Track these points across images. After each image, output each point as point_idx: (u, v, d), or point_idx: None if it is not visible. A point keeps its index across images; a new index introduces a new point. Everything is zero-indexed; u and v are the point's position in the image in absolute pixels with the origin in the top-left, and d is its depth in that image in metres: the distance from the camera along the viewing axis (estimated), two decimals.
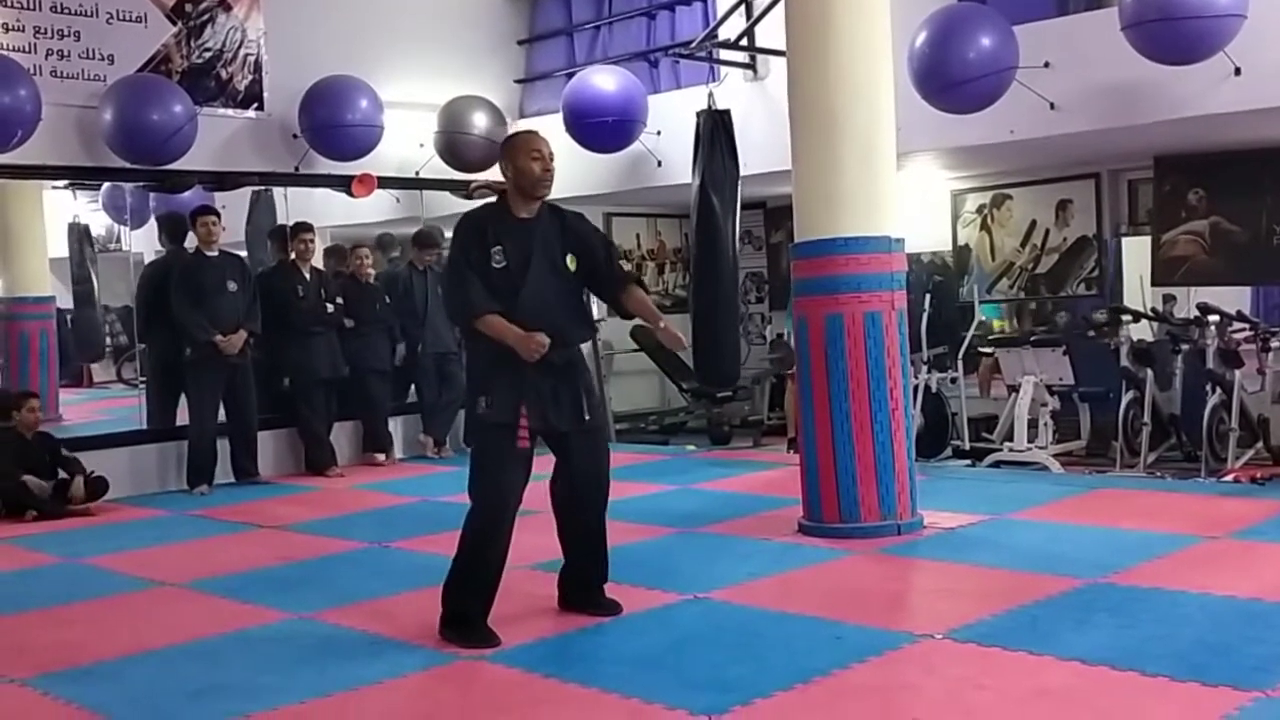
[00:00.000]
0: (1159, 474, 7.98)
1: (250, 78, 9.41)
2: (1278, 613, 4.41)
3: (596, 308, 11.24)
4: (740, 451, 9.92)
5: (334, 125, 9.26)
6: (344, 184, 9.71)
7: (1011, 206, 10.37)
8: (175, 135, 8.39)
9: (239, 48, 9.34)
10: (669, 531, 6.43)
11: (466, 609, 4.53)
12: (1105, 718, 3.53)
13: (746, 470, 8.54)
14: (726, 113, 8.41)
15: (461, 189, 10.44)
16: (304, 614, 5.08)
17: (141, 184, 9.21)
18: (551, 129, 9.83)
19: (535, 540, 6.43)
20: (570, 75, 10.09)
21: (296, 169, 9.53)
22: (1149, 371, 8.38)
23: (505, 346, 4.48)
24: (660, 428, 11.62)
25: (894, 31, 6.26)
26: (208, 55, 9.18)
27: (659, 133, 9.64)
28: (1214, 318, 8.45)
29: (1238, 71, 6.88)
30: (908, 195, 8.77)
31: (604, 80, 9.47)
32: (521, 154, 4.62)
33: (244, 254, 9.49)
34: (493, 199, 4.93)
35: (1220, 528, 5.84)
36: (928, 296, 9.53)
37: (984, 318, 10.13)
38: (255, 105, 9.42)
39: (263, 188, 9.87)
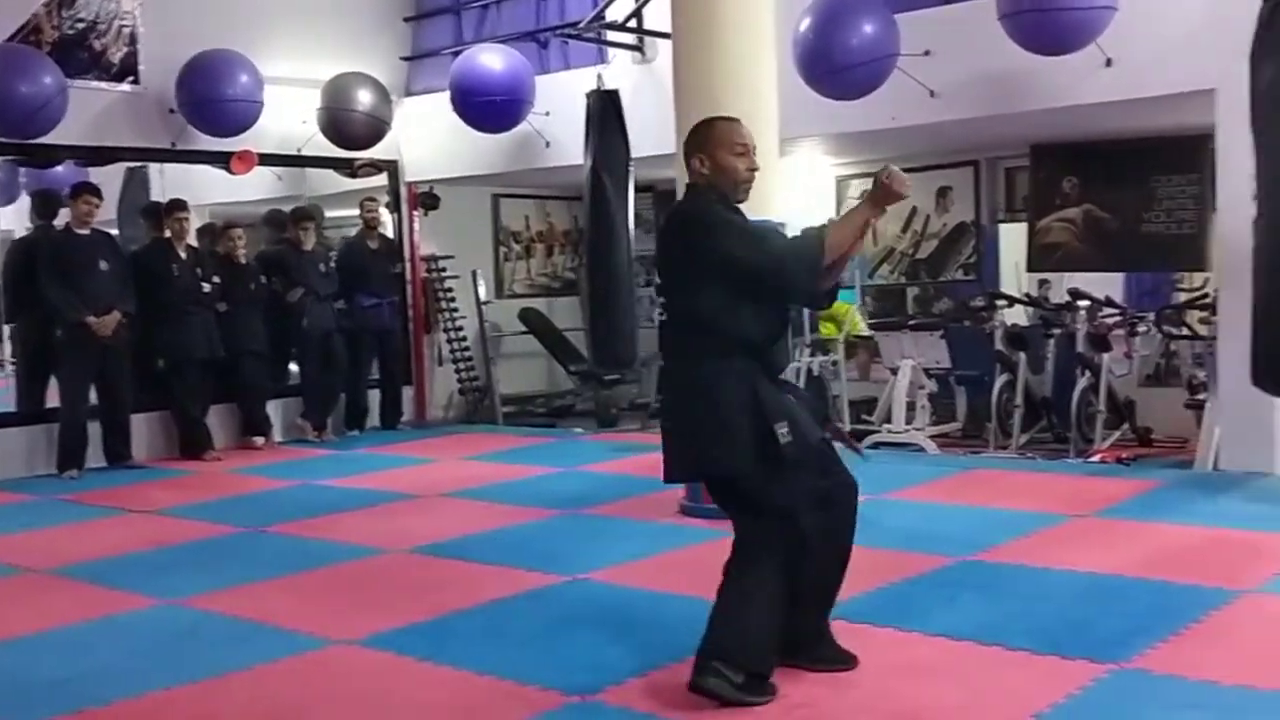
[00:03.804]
0: (1030, 455, 8.20)
1: (125, 50, 9.13)
2: (1135, 588, 4.57)
3: (484, 290, 11.28)
4: (628, 434, 9.94)
5: (212, 100, 9.05)
6: (223, 161, 9.52)
7: None
8: (44, 108, 8.13)
9: (113, 19, 9.07)
10: (552, 514, 6.44)
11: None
12: (969, 691, 3.61)
13: (633, 453, 8.55)
14: (616, 93, 8.39)
15: (345, 167, 10.31)
16: (173, 600, 4.98)
17: (9, 158, 8.92)
18: (438, 108, 9.81)
19: (414, 523, 6.43)
20: (457, 54, 9.98)
21: (173, 145, 9.30)
22: (1022, 355, 8.59)
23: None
24: (548, 410, 11.59)
25: (779, 17, 6.30)
26: (80, 26, 8.89)
27: (547, 113, 9.59)
28: (1084, 303, 8.69)
29: (1109, 63, 7.05)
30: (793, 180, 8.86)
31: (491, 59, 9.39)
32: (723, 148, 3.74)
33: (116, 232, 9.23)
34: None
35: (1086, 506, 6.03)
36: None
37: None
38: (130, 78, 9.15)
39: (138, 164, 9.61)
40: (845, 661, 3.81)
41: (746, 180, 3.77)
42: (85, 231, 8.37)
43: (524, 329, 11.58)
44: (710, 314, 3.62)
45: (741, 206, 3.81)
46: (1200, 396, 7.68)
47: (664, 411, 3.89)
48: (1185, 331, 8.46)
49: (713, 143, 3.76)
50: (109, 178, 9.31)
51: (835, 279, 3.80)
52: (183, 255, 8.96)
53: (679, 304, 3.72)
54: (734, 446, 3.56)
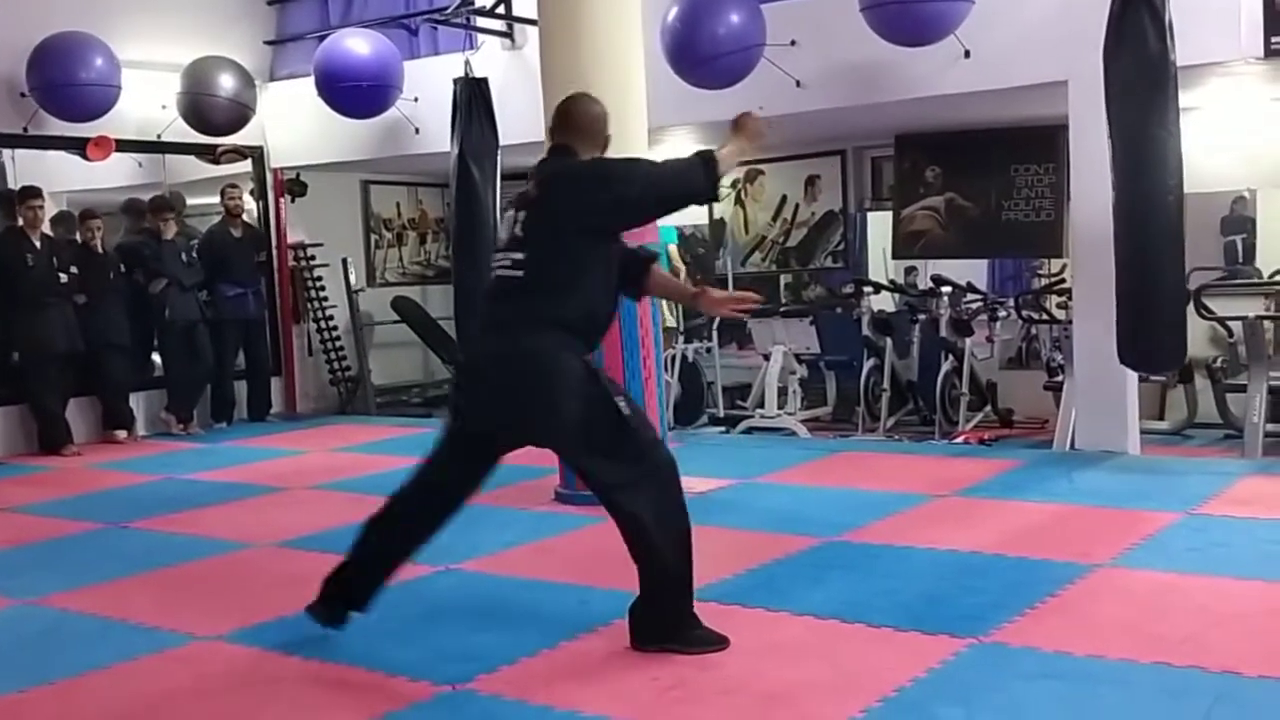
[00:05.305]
0: (897, 437, 8.40)
1: None
2: (994, 564, 4.72)
3: (355, 278, 11.12)
4: None
5: (66, 84, 8.74)
6: (79, 147, 9.21)
7: (764, 182, 10.67)
8: None
9: None
10: None
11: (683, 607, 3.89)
12: (834, 668, 3.69)
13: None
14: (484, 81, 8.33)
15: (208, 153, 10.06)
16: (30, 599, 4.83)
17: None
18: (304, 93, 9.62)
19: (281, 516, 6.32)
20: (324, 38, 9.79)
21: (25, 130, 8.95)
22: (888, 340, 8.79)
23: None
24: (424, 400, 11.48)
25: (646, 5, 6.31)
26: None
27: (416, 99, 9.48)
28: (947, 289, 8.93)
29: (967, 54, 7.23)
30: None
31: (358, 44, 9.22)
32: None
33: None
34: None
35: (948, 486, 6.20)
36: (684, 269, 9.72)
37: None
38: None
39: None
40: (716, 643, 3.87)
41: None
42: None
43: (397, 318, 11.45)
44: (564, 278, 3.78)
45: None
46: (1058, 378, 7.95)
47: (485, 365, 3.91)
48: (1044, 316, 8.75)
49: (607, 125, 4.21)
50: None
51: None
52: (37, 245, 8.66)
53: (534, 261, 3.80)
54: (562, 422, 3.77)
